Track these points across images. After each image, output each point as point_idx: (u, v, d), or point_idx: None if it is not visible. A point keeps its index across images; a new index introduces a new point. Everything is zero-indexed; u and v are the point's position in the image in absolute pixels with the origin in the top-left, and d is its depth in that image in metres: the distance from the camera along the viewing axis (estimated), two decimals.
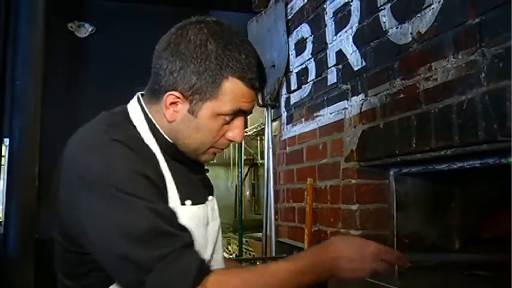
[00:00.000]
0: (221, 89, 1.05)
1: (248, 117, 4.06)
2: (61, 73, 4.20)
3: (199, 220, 1.12)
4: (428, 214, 1.77)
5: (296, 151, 2.43)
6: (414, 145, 1.43)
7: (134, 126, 1.09)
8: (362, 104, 1.79)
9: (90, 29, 4.28)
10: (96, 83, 4.18)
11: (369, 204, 1.76)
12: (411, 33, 1.52)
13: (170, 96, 1.06)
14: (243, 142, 6.47)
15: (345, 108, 1.92)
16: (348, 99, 1.91)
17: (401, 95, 1.55)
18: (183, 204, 1.09)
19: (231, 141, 1.13)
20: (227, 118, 1.08)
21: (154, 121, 1.11)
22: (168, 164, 1.09)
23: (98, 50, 4.32)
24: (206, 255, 1.12)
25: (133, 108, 1.13)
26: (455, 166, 1.44)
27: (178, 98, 1.06)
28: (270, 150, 2.80)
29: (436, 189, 1.78)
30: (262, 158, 3.69)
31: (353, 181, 1.79)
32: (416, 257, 1.39)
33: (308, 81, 2.33)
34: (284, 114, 2.68)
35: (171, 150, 1.12)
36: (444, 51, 1.36)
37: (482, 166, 1.35)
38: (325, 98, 2.12)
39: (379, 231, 1.74)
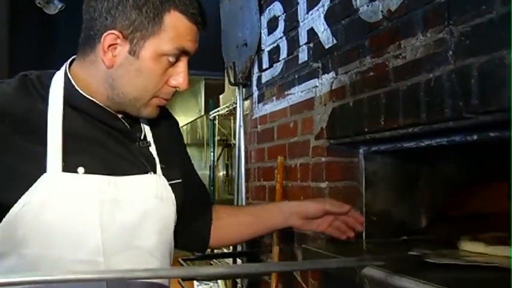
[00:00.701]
0: (163, 24, 1.00)
1: (220, 96, 4.04)
2: (29, 51, 4.10)
3: (91, 193, 1.01)
4: (397, 192, 1.79)
5: (267, 130, 2.42)
6: (383, 123, 1.43)
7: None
8: (332, 82, 1.79)
9: (59, 6, 4.17)
10: (65, 62, 4.08)
11: (338, 182, 1.77)
12: (381, 11, 1.51)
13: (109, 36, 1.00)
14: (216, 123, 6.47)
15: (316, 87, 1.92)
16: (318, 78, 1.91)
17: (371, 73, 1.55)
18: (68, 171, 0.99)
19: (176, 88, 1.07)
20: (170, 59, 1.03)
21: (70, 76, 1.06)
22: (67, 123, 1.02)
23: (67, 27, 4.20)
24: (92, 237, 1.01)
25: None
26: (423, 144, 1.45)
27: (118, 37, 1.00)
28: (241, 129, 2.80)
29: (405, 168, 1.80)
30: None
31: (323, 159, 1.80)
32: None
33: (280, 59, 2.32)
34: (256, 93, 2.67)
35: (85, 107, 1.05)
36: (413, 29, 1.36)
37: (449, 144, 1.37)
38: (296, 77, 2.11)
39: None
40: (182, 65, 1.06)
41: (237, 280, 2.71)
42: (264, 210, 1.45)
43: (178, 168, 1.24)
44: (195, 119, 7.15)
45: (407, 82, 1.36)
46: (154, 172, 1.14)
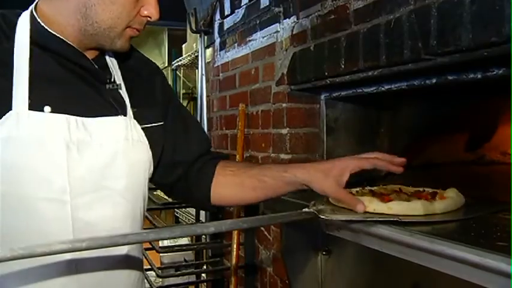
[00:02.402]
0: None
1: (183, 45, 3.94)
2: None
3: (57, 133, 0.99)
4: (358, 139, 1.79)
5: (229, 77, 2.38)
6: (343, 66, 1.41)
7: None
8: (293, 27, 1.75)
9: None
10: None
11: (299, 129, 1.75)
12: None
13: None
14: (181, 75, 6.35)
15: (277, 32, 1.88)
16: (280, 22, 1.86)
17: (332, 16, 1.51)
18: (34, 109, 0.97)
19: (148, 18, 1.05)
20: None
21: (36, 15, 1.02)
22: (35, 61, 0.99)
23: None
24: (58, 176, 0.99)
25: None
26: (383, 88, 1.44)
27: None
28: (203, 77, 2.75)
29: (366, 114, 1.80)
30: None
31: (283, 105, 1.77)
32: None
33: (241, 5, 2.25)
34: (217, 41, 2.61)
35: (53, 45, 1.02)
36: None
37: (408, 88, 1.36)
38: (258, 22, 2.06)
39: (309, 155, 1.75)
40: None
41: None
42: (273, 177, 1.22)
43: (155, 111, 1.20)
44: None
45: (368, 24, 1.33)
46: (125, 115, 1.11)
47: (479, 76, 1.13)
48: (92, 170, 1.03)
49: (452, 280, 0.87)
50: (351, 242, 1.19)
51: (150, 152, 1.15)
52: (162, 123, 1.19)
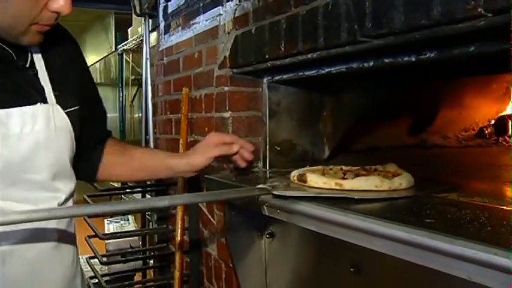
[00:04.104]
0: None
1: (129, 29, 3.85)
2: None
3: None
4: (300, 122, 1.80)
5: (173, 61, 2.34)
6: (283, 49, 1.41)
7: None
8: (236, 10, 1.73)
9: None
10: None
11: (242, 112, 1.75)
12: None
13: None
14: (130, 60, 6.22)
15: (220, 15, 1.85)
16: (222, 5, 1.84)
17: None
18: None
19: (58, 13, 0.97)
20: None
21: None
22: None
23: None
24: None
25: None
26: (323, 71, 1.45)
27: None
28: (148, 61, 2.70)
29: (308, 97, 1.80)
30: None
31: (226, 88, 1.76)
32: None
33: None
34: (162, 24, 2.56)
35: None
36: None
37: (347, 71, 1.37)
38: (201, 5, 2.03)
39: (252, 139, 1.75)
40: None
41: (147, 215, 2.68)
42: (152, 160, 1.40)
43: (75, 95, 1.15)
44: (107, 56, 6.85)
45: (307, 7, 1.33)
46: (45, 102, 1.06)
47: (413, 59, 1.15)
48: (11, 164, 0.99)
49: (394, 260, 0.88)
50: (294, 224, 1.20)
51: (74, 138, 1.12)
52: (78, 107, 1.15)
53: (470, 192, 1.20)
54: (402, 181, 1.19)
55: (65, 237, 1.11)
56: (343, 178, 1.23)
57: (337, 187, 1.18)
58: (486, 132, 2.80)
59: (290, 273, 1.67)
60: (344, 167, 1.39)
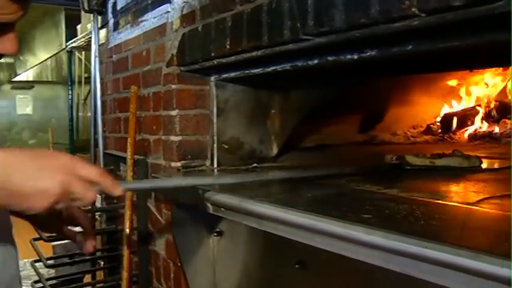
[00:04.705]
0: None
1: (78, 26, 3.77)
2: None
3: None
4: (248, 120, 1.80)
5: (122, 59, 2.31)
6: (228, 47, 1.41)
7: None
8: (183, 7, 1.72)
9: None
10: None
11: (189, 110, 1.73)
12: None
13: None
14: (82, 58, 6.09)
15: (168, 12, 1.84)
16: (170, 2, 1.82)
17: None
18: None
19: (2, 54, 0.91)
20: None
21: None
22: None
23: None
24: None
25: None
26: (269, 69, 1.46)
27: None
28: (97, 59, 2.65)
29: (256, 95, 1.81)
30: None
31: (173, 86, 1.74)
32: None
33: None
34: (111, 21, 2.51)
35: None
36: None
37: (292, 69, 1.38)
38: (149, 2, 2.01)
39: (199, 137, 1.74)
40: (4, 33, 0.88)
41: (96, 215, 2.63)
42: None
43: None
44: (57, 53, 6.69)
45: (252, 4, 1.33)
46: None
47: (355, 57, 1.17)
48: None
49: (339, 256, 0.89)
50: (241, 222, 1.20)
51: None
52: None
53: (412, 187, 1.23)
54: (476, 160, 1.52)
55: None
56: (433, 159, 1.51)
57: (431, 164, 1.50)
58: (433, 128, 2.88)
59: (238, 270, 1.67)
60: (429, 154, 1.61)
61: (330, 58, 1.24)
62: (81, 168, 0.78)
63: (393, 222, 0.86)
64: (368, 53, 1.13)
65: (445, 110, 2.93)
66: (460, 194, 1.21)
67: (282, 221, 0.98)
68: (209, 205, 1.27)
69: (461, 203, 1.02)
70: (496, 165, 1.66)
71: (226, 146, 1.75)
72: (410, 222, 0.85)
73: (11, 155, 0.74)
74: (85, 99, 5.92)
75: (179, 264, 1.76)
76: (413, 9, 0.87)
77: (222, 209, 1.22)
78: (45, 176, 0.74)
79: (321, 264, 1.27)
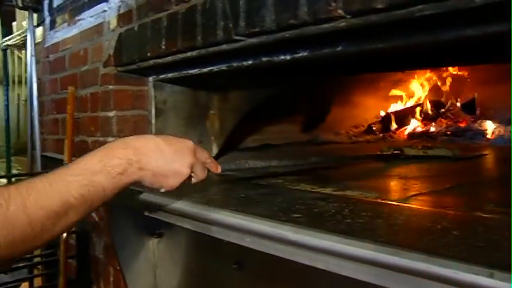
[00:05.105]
0: None
1: (13, 23, 3.63)
2: None
3: None
4: (187, 121, 1.79)
5: (59, 58, 2.25)
6: (164, 47, 1.40)
7: None
8: (120, 6, 1.69)
9: None
10: None
11: (127, 111, 1.71)
12: None
13: None
14: (23, 57, 5.87)
15: (105, 11, 1.80)
16: (107, 1, 1.79)
17: None
18: None
19: None
20: None
21: None
22: None
23: None
24: None
25: None
26: (205, 70, 1.45)
27: None
28: (33, 58, 2.56)
29: (196, 96, 1.80)
30: None
31: (110, 87, 1.71)
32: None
33: None
34: (47, 19, 2.44)
35: None
36: None
37: (228, 69, 1.38)
38: (86, 0, 1.97)
39: None
40: None
41: None
42: None
43: None
44: None
45: (187, 4, 1.32)
46: None
47: (288, 57, 1.18)
48: None
49: (274, 256, 0.89)
50: None
51: None
52: None
53: (347, 185, 1.25)
54: (456, 150, 1.85)
55: None
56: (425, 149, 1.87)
57: (424, 154, 1.83)
58: (374, 128, 2.95)
59: (179, 272, 1.66)
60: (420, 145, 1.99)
61: (264, 59, 1.24)
62: (199, 152, 0.93)
63: (321, 221, 0.87)
64: (300, 54, 1.14)
65: (385, 110, 3.01)
66: (392, 191, 1.25)
67: (213, 222, 0.99)
68: (145, 207, 1.26)
69: (391, 200, 1.05)
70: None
71: None
72: (337, 221, 0.86)
73: (149, 141, 0.86)
74: (26, 99, 5.72)
75: (118, 268, 1.72)
76: (339, 11, 0.89)
77: (158, 211, 1.21)
78: (179, 159, 0.87)
79: (258, 264, 1.27)
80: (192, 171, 0.90)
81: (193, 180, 0.94)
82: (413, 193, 1.16)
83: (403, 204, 1.00)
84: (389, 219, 0.87)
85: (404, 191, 1.22)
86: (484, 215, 0.91)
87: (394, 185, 1.36)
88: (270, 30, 1.04)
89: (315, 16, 0.94)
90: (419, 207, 0.99)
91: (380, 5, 0.82)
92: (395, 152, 1.87)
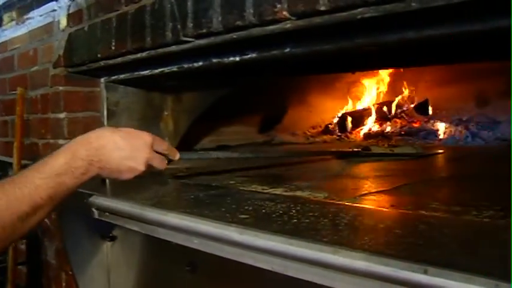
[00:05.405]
0: None
1: None
2: None
3: None
4: (141, 122, 1.77)
5: (8, 58, 2.19)
6: (113, 48, 1.38)
7: None
8: (70, 6, 1.66)
9: None
10: None
11: (78, 113, 1.68)
12: None
13: None
14: None
15: (54, 10, 1.77)
16: (56, 0, 1.75)
17: None
18: None
19: None
20: None
21: None
22: None
23: None
24: None
25: None
26: (156, 71, 1.44)
27: None
28: None
29: (149, 97, 1.79)
30: None
31: (61, 88, 1.68)
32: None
33: None
34: None
35: None
36: None
37: (179, 70, 1.38)
38: None
39: None
40: None
41: None
42: None
43: None
44: None
45: (136, 5, 1.31)
46: None
47: (237, 59, 1.19)
48: None
49: (224, 259, 0.89)
50: None
51: None
52: None
53: (298, 186, 1.26)
54: (420, 148, 1.95)
55: None
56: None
57: (391, 151, 1.88)
58: (331, 128, 2.98)
59: (133, 275, 1.64)
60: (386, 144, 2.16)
61: (214, 60, 1.24)
62: (157, 144, 1.01)
63: (268, 221, 0.87)
64: (249, 55, 1.15)
65: (342, 110, 3.05)
66: (342, 191, 1.26)
67: (161, 224, 0.98)
68: (94, 210, 1.24)
69: (339, 200, 1.06)
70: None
71: None
72: (283, 221, 0.87)
73: (109, 141, 0.92)
74: None
75: (71, 272, 1.69)
76: (284, 13, 0.90)
77: (107, 214, 1.19)
78: (135, 157, 0.96)
79: (210, 265, 1.27)
80: (149, 165, 0.99)
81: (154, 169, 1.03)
82: (362, 192, 1.18)
83: (350, 204, 1.01)
84: (335, 219, 0.88)
85: (354, 191, 1.23)
86: (426, 213, 0.93)
87: (345, 184, 1.37)
88: (217, 31, 1.04)
89: (260, 18, 0.94)
90: (366, 206, 1.01)
91: (323, 8, 0.83)
92: (363, 150, 1.94)
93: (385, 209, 1.00)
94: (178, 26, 1.13)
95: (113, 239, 1.68)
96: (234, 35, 1.03)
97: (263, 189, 1.23)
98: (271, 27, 0.95)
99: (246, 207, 0.99)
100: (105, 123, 1.68)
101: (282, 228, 0.82)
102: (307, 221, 0.87)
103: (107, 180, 1.46)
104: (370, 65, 1.74)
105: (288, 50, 1.06)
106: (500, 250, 0.68)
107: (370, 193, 1.17)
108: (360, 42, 0.93)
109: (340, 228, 0.82)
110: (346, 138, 2.91)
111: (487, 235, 0.79)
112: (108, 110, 1.69)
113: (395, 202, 1.08)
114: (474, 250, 0.69)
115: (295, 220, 0.87)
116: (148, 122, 1.78)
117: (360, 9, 0.80)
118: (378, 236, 0.76)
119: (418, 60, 1.53)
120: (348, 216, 0.91)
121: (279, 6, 0.90)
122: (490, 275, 0.56)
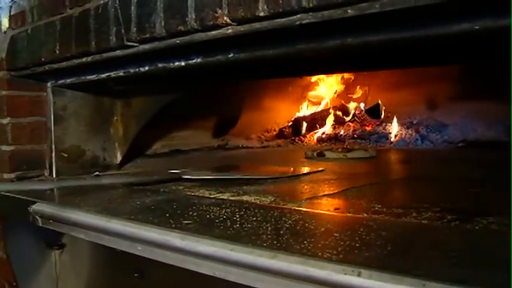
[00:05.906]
0: None
1: None
2: None
3: None
4: (89, 127, 1.74)
5: None
6: (58, 52, 1.35)
7: None
8: (11, 7, 1.62)
9: None
10: None
11: (23, 118, 1.63)
12: None
13: None
14: None
15: None
16: None
17: None
18: None
19: None
20: None
21: None
22: None
23: None
24: None
25: None
26: (103, 76, 1.42)
27: None
28: None
29: (98, 102, 1.76)
30: None
31: (4, 92, 1.63)
32: None
33: None
34: None
35: None
36: None
37: (125, 75, 1.36)
38: None
39: (36, 146, 1.65)
40: None
41: None
42: None
43: None
44: None
45: (81, 8, 1.29)
46: None
47: (183, 63, 1.18)
48: None
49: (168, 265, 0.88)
50: None
51: None
52: None
53: (246, 190, 1.27)
54: (373, 152, 2.07)
55: None
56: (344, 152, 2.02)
57: (344, 157, 1.96)
58: (285, 132, 3.00)
59: (83, 284, 1.61)
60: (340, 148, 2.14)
61: (159, 64, 1.24)
62: None
63: (211, 227, 0.87)
64: (194, 60, 1.14)
65: (296, 114, 3.07)
66: (289, 195, 1.27)
67: (105, 231, 0.96)
68: (38, 218, 1.21)
69: (284, 205, 1.07)
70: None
71: (65, 155, 1.68)
72: (226, 227, 0.87)
73: None
74: None
75: (14, 284, 1.64)
76: (225, 18, 0.90)
77: (51, 221, 1.17)
78: None
79: (157, 271, 1.26)
80: None
81: None
82: (309, 196, 1.19)
83: (295, 208, 1.03)
84: (277, 224, 0.89)
85: (301, 195, 1.25)
86: (367, 216, 0.95)
87: (292, 189, 1.38)
88: (160, 36, 1.04)
89: (202, 23, 0.94)
90: (310, 210, 1.02)
91: (262, 13, 0.84)
92: (318, 156, 2.02)
93: (328, 213, 1.01)
94: (122, 31, 1.12)
95: (61, 247, 1.64)
96: (177, 40, 1.03)
97: (210, 194, 1.23)
98: (213, 33, 0.95)
99: (191, 213, 0.99)
100: (52, 128, 1.64)
101: (224, 233, 0.82)
102: (250, 226, 0.88)
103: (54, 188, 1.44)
104: (315, 70, 1.76)
105: (231, 55, 1.07)
106: (433, 251, 0.70)
107: (316, 197, 1.18)
108: (301, 48, 0.94)
109: (281, 233, 0.83)
110: (300, 142, 2.93)
111: (423, 236, 0.82)
112: (55, 114, 1.65)
113: (341, 205, 1.10)
114: (408, 251, 0.71)
115: (238, 225, 0.88)
116: (97, 127, 1.75)
117: (298, 15, 0.81)
118: (317, 240, 0.77)
119: (361, 65, 1.56)
120: (290, 221, 0.91)
121: (219, 11, 0.91)
122: (418, 275, 0.58)
